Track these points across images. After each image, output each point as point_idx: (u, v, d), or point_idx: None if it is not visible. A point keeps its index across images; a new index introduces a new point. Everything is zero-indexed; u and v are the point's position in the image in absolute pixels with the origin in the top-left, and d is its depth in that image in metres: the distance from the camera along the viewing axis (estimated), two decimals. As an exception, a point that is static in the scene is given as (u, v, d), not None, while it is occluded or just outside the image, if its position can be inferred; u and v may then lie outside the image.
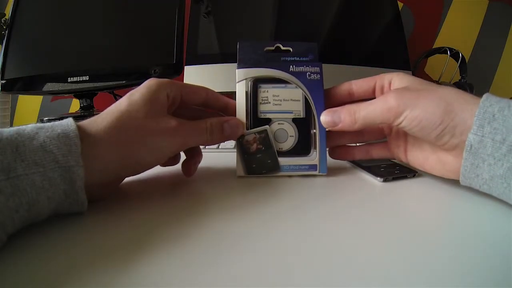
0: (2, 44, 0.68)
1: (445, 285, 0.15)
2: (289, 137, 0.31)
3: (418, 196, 0.26)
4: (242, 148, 0.31)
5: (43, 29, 0.67)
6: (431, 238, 0.19)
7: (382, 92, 0.30)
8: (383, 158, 0.33)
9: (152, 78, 0.28)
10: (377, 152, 0.32)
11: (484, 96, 0.24)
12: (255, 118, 0.31)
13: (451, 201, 0.25)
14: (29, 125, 0.21)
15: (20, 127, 0.21)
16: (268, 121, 0.31)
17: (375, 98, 0.28)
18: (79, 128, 0.22)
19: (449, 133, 0.24)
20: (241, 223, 0.21)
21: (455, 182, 0.27)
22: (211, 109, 0.32)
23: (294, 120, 0.31)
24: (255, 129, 0.31)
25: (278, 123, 0.31)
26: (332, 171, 0.32)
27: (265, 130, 0.31)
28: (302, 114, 0.31)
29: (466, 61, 0.73)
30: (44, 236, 0.20)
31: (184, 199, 0.26)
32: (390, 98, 0.26)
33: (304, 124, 0.31)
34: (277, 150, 0.31)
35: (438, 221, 0.22)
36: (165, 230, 0.20)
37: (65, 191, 0.21)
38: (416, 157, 0.29)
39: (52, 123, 0.22)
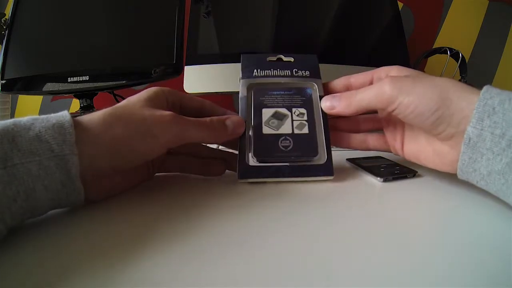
0: (2, 44, 0.68)
1: (445, 285, 0.15)
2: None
3: (418, 196, 0.26)
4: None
5: (43, 29, 0.67)
6: (431, 238, 0.19)
7: None
8: (379, 150, 0.33)
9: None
10: (374, 143, 0.32)
11: (485, 88, 0.23)
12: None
13: (451, 201, 0.25)
14: (26, 117, 0.21)
15: (17, 118, 0.21)
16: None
17: None
18: (73, 119, 0.22)
19: (445, 121, 0.24)
20: (241, 223, 0.21)
21: (455, 182, 0.27)
22: None
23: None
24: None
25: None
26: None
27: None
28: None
29: (466, 61, 0.73)
30: (42, 235, 0.20)
31: (185, 200, 0.26)
32: (385, 83, 0.26)
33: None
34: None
35: (438, 221, 0.22)
36: (164, 231, 0.20)
37: (61, 180, 0.21)
38: (412, 149, 0.29)
39: (47, 115, 0.22)
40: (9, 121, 0.21)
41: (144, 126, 0.24)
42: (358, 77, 0.32)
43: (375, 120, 0.33)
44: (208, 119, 0.28)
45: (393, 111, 0.26)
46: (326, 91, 0.32)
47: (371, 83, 0.31)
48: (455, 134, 0.24)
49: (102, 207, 0.24)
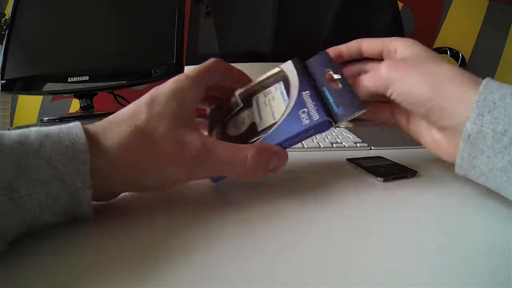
0: (2, 44, 0.68)
1: (446, 286, 0.15)
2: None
3: (418, 196, 0.26)
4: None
5: (43, 29, 0.67)
6: (431, 238, 0.19)
7: (389, 57, 0.30)
8: (385, 121, 0.32)
9: (179, 77, 0.24)
10: (381, 114, 0.31)
11: (485, 81, 0.22)
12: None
13: (451, 201, 0.25)
14: (33, 130, 0.19)
15: (24, 131, 0.19)
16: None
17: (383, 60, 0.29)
18: (88, 138, 0.20)
19: (436, 114, 0.23)
20: (241, 223, 0.21)
21: (455, 182, 0.27)
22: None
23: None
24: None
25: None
26: (331, 171, 0.32)
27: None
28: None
29: (466, 61, 0.73)
30: (47, 242, 0.19)
31: (195, 204, 0.26)
32: (381, 70, 0.26)
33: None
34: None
35: (438, 221, 0.22)
36: (174, 237, 0.20)
37: (71, 208, 0.19)
38: (415, 130, 0.29)
39: (59, 128, 0.20)
40: (15, 135, 0.18)
41: (164, 169, 0.21)
42: (370, 46, 0.31)
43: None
44: (250, 153, 0.23)
45: (391, 96, 0.26)
46: (338, 55, 0.31)
47: (381, 52, 0.31)
48: (447, 127, 0.23)
49: (109, 213, 0.24)
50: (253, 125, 0.27)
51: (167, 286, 0.15)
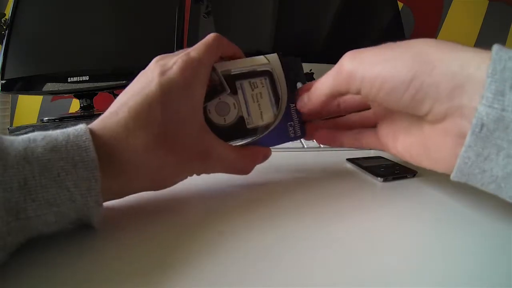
0: (2, 44, 0.68)
1: (446, 286, 0.15)
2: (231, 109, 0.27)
3: (418, 197, 0.26)
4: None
5: (43, 29, 0.67)
6: (432, 238, 0.19)
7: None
8: (374, 148, 0.28)
9: (189, 60, 0.22)
10: (367, 140, 0.27)
11: (495, 46, 0.15)
12: None
13: (451, 201, 0.25)
14: (38, 142, 0.17)
15: (29, 144, 0.17)
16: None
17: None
18: (102, 148, 0.18)
19: (429, 95, 0.17)
20: (240, 224, 0.21)
21: (455, 182, 0.27)
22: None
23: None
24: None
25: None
26: (331, 171, 0.32)
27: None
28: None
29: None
30: (51, 250, 0.18)
31: (205, 211, 0.26)
32: (342, 59, 0.21)
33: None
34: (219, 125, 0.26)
35: (438, 221, 0.22)
36: (181, 247, 0.19)
37: (80, 222, 0.19)
38: (404, 144, 0.23)
39: (66, 137, 0.18)
40: (19, 149, 0.17)
41: (170, 179, 0.23)
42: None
43: (366, 115, 0.29)
44: (246, 163, 0.27)
45: (359, 92, 0.20)
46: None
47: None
48: (448, 113, 0.17)
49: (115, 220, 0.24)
50: (241, 120, 0.27)
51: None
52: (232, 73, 0.27)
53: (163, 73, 0.21)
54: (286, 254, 0.18)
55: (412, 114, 0.19)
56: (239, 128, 0.27)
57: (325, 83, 0.23)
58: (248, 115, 0.27)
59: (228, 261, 0.17)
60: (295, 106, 0.28)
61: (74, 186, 0.17)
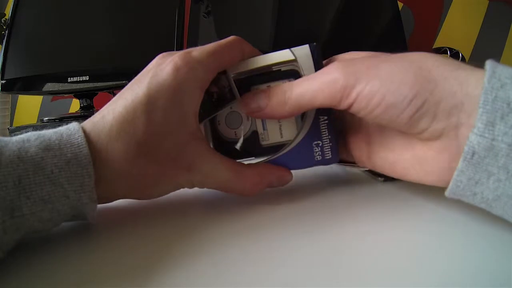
0: (2, 44, 0.68)
1: (446, 286, 0.15)
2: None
3: (418, 197, 0.26)
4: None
5: (43, 29, 0.67)
6: (432, 238, 0.19)
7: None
8: (343, 162, 0.26)
9: (184, 63, 0.20)
10: None
11: (489, 68, 0.15)
12: None
13: (451, 201, 0.25)
14: (32, 142, 0.17)
15: (23, 144, 0.17)
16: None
17: None
18: (91, 148, 0.18)
19: (429, 113, 0.16)
20: (240, 224, 0.21)
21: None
22: None
23: None
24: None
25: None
26: (331, 171, 0.32)
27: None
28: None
29: (466, 61, 0.73)
30: (48, 249, 0.19)
31: (203, 213, 0.26)
32: (333, 68, 0.18)
33: None
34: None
35: (438, 221, 0.22)
36: (178, 247, 0.19)
37: (75, 217, 0.19)
38: (384, 159, 0.21)
39: (59, 136, 0.18)
40: (13, 149, 0.17)
41: (163, 184, 0.21)
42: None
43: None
44: (265, 178, 0.23)
45: (349, 107, 0.18)
46: None
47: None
48: (444, 132, 0.17)
49: (112, 220, 0.24)
50: (254, 135, 0.23)
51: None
52: (246, 77, 0.22)
53: (155, 74, 0.20)
54: (286, 254, 0.18)
55: (402, 131, 0.19)
56: (251, 145, 0.23)
57: (311, 92, 0.19)
58: (264, 129, 0.23)
59: (228, 261, 0.17)
60: (327, 119, 0.22)
61: (67, 182, 0.17)
